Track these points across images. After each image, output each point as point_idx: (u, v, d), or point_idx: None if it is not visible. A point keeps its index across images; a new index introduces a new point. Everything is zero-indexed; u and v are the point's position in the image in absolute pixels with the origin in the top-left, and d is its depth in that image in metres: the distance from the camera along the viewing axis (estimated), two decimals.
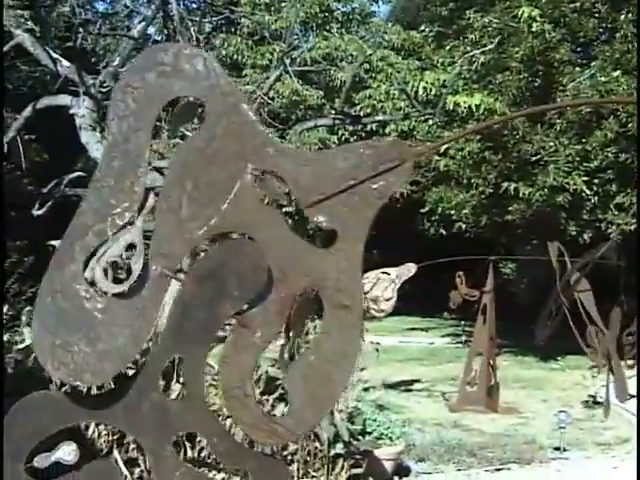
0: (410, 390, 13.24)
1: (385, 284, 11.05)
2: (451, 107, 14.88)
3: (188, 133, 2.34)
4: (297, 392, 2.22)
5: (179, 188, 2.15)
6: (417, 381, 14.15)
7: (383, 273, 11.03)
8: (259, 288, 2.15)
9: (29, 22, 10.18)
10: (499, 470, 8.62)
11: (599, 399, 10.42)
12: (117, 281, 2.11)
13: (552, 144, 16.10)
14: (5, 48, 10.14)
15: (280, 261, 2.18)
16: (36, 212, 9.55)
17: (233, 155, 2.18)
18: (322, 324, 2.25)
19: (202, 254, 2.24)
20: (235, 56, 19.46)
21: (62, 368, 2.08)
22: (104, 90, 10.17)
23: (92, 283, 2.11)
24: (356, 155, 2.22)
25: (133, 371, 2.28)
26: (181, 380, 2.22)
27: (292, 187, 2.21)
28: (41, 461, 2.08)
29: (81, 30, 12.46)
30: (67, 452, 2.09)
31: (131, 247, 2.11)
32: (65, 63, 10.20)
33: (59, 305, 2.09)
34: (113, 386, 2.25)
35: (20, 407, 2.11)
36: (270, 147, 2.21)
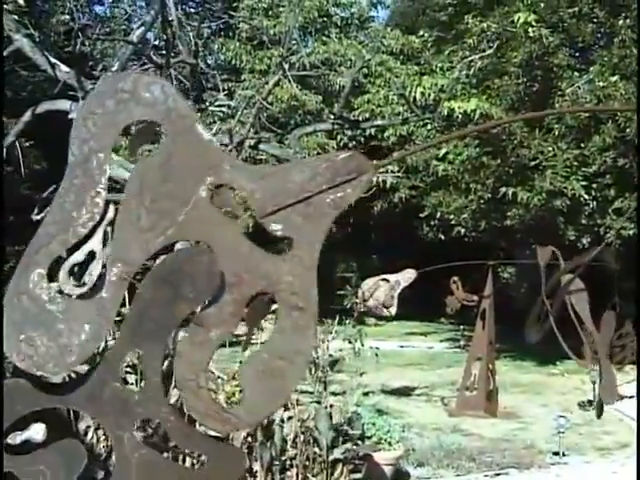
0: (409, 395, 13.26)
1: (385, 290, 11.11)
2: (447, 112, 14.89)
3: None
4: (249, 385, 2.39)
5: (138, 201, 2.33)
6: (416, 386, 14.16)
7: (382, 280, 11.10)
8: (213, 291, 2.33)
9: (28, 27, 10.17)
10: (498, 475, 8.63)
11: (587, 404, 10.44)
12: (78, 285, 2.33)
13: (550, 149, 16.12)
14: (4, 53, 10.15)
15: (235, 266, 2.35)
16: (35, 217, 9.55)
17: (189, 171, 2.35)
18: (276, 324, 2.40)
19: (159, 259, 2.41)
20: (234, 61, 19.51)
21: (27, 359, 2.29)
22: None
23: (59, 289, 2.33)
24: (312, 168, 2.37)
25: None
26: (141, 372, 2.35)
27: (249, 199, 2.37)
28: (13, 438, 2.35)
29: (80, 35, 12.47)
30: (36, 431, 2.41)
31: (92, 254, 2.34)
32: (64, 68, 10.20)
33: (24, 305, 2.31)
34: (75, 376, 2.49)
35: None
36: (226, 163, 2.38)
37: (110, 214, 2.36)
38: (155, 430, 3.83)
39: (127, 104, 2.36)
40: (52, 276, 2.36)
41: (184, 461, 2.87)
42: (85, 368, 2.59)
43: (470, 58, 15.71)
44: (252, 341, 2.79)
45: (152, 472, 2.44)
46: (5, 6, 10.10)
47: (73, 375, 2.65)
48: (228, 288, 2.35)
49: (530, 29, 15.06)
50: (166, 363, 2.58)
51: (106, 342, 2.64)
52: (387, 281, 11.39)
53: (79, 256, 2.35)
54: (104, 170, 2.35)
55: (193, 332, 2.37)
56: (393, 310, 11.56)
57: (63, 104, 10.10)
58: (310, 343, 2.43)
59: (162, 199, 2.35)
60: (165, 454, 2.76)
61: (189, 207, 2.36)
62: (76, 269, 2.40)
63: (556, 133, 16.23)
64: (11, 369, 2.49)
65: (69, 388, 2.42)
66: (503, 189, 16.59)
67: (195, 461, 2.68)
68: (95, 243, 2.35)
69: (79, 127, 2.36)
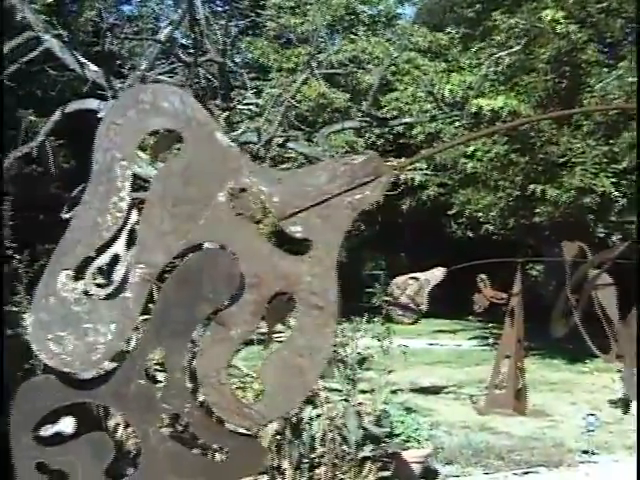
0: (438, 393, 13.22)
1: (415, 289, 11.10)
2: (475, 110, 14.83)
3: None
4: (270, 382, 2.49)
5: (160, 205, 2.45)
6: (445, 384, 14.12)
7: (411, 278, 11.08)
8: (232, 292, 2.44)
9: (57, 27, 10.26)
10: (527, 473, 8.58)
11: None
12: (103, 286, 2.44)
13: (579, 145, 16.01)
14: (34, 53, 10.24)
15: (255, 267, 2.45)
16: (65, 215, 9.64)
17: (209, 176, 2.47)
18: (296, 323, 2.49)
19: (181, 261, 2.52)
20: (261, 59, 19.56)
21: (55, 358, 2.40)
22: None
23: (85, 290, 2.45)
24: (330, 171, 2.48)
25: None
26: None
27: (267, 203, 2.47)
28: (45, 431, 2.47)
29: (108, 34, 12.55)
30: (67, 424, 2.50)
31: (116, 257, 2.44)
32: (93, 67, 10.28)
33: (52, 306, 2.41)
34: (102, 372, 2.59)
35: (27, 387, 2.53)
36: (245, 168, 2.48)
37: (133, 218, 2.46)
38: (185, 426, 3.88)
39: (148, 114, 2.47)
40: (78, 278, 2.46)
41: (213, 456, 2.93)
42: (111, 366, 2.68)
43: (498, 55, 15.62)
44: (276, 339, 2.84)
45: (177, 464, 2.54)
46: (34, 6, 10.19)
47: (100, 372, 2.71)
48: (248, 288, 2.45)
49: (558, 25, 14.96)
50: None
51: (130, 341, 2.70)
52: (417, 279, 11.41)
53: (104, 259, 2.45)
54: (127, 177, 2.46)
55: (214, 330, 2.47)
56: (424, 308, 11.58)
57: (92, 103, 10.19)
58: (329, 341, 2.51)
59: (183, 203, 2.46)
60: (194, 449, 2.85)
61: (209, 211, 2.45)
62: (101, 271, 2.50)
63: (585, 130, 16.12)
64: (42, 366, 2.59)
65: (96, 384, 2.51)
66: (532, 186, 16.51)
67: (223, 456, 2.75)
68: (119, 246, 2.45)
69: (102, 137, 2.46)
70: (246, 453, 2.58)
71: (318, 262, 2.46)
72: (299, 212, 2.46)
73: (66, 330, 2.42)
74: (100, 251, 2.47)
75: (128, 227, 2.47)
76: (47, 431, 2.48)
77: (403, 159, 2.70)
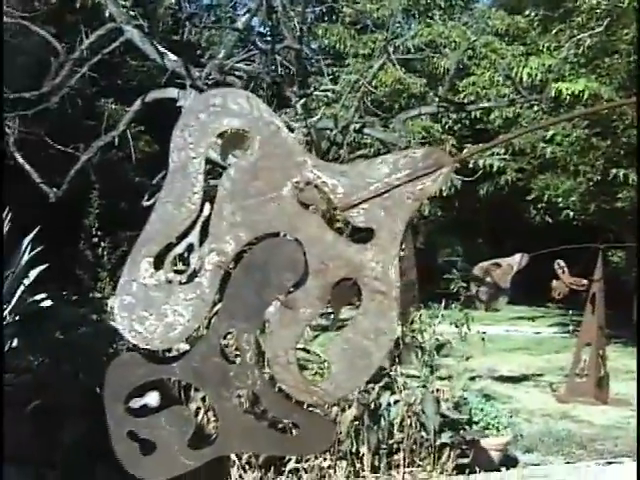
0: (517, 380, 13.09)
1: (498, 274, 11.05)
2: (554, 94, 14.55)
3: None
4: (336, 362, 2.66)
5: (231, 200, 2.66)
6: (524, 371, 13.98)
7: (494, 264, 11.01)
8: (296, 278, 2.63)
9: (138, 18, 10.41)
10: (610, 464, 8.42)
11: None
12: (180, 273, 2.66)
13: None
14: (115, 44, 10.42)
15: (321, 254, 2.63)
16: (146, 203, 9.80)
17: (276, 171, 2.65)
18: (361, 307, 2.63)
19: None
20: (337, 45, 19.51)
21: (137, 335, 2.61)
22: (210, 82, 10.34)
23: (164, 276, 2.67)
24: (391, 164, 2.62)
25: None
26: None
27: (331, 195, 2.64)
28: (133, 403, 2.68)
29: (187, 23, 12.68)
30: (152, 398, 2.70)
31: (191, 246, 2.66)
32: (172, 57, 10.42)
33: (134, 291, 2.63)
34: (182, 351, 2.82)
35: (116, 363, 2.79)
36: (309, 163, 2.66)
37: (206, 212, 2.66)
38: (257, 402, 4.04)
39: (218, 116, 2.67)
40: (158, 266, 2.67)
41: (285, 432, 3.07)
42: (186, 346, 3.03)
43: (579, 37, 15.28)
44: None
45: (250, 437, 2.77)
46: None
47: (178, 352, 2.95)
48: (314, 274, 2.62)
49: None
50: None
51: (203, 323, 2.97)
52: (499, 265, 11.30)
53: (180, 248, 2.67)
54: (200, 174, 2.67)
55: (282, 313, 2.64)
56: (507, 293, 11.48)
57: (171, 92, 10.34)
58: (393, 324, 2.65)
59: (252, 197, 2.65)
60: (267, 424, 3.00)
61: (276, 203, 2.64)
62: (178, 260, 2.70)
63: None
64: (127, 346, 2.76)
65: (178, 362, 2.73)
66: (614, 170, 16.20)
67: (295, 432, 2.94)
68: (194, 237, 2.67)
69: (177, 138, 2.68)
70: (316, 429, 2.78)
71: (381, 250, 2.60)
72: (361, 203, 2.61)
73: (148, 312, 2.63)
74: (177, 241, 2.68)
75: (202, 219, 2.66)
76: (135, 404, 2.69)
77: (455, 157, 2.81)
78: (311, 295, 2.63)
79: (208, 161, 2.75)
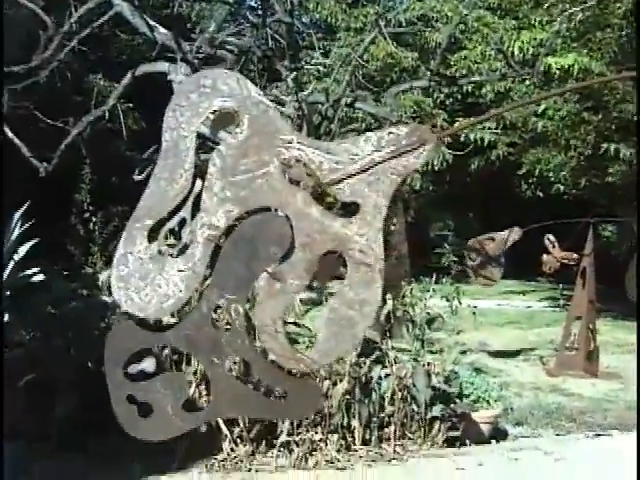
0: (507, 354, 13.15)
1: (492, 248, 11.10)
2: (544, 69, 14.50)
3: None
4: (321, 331, 2.77)
5: (221, 176, 2.76)
6: (514, 345, 14.03)
7: (488, 239, 11.05)
8: (283, 251, 2.72)
9: None
10: (599, 436, 8.49)
11: None
12: (173, 246, 2.79)
13: None
14: (105, 17, 10.34)
15: (307, 228, 2.73)
16: (137, 177, 9.78)
17: (264, 149, 2.76)
18: (346, 278, 2.73)
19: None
20: (329, 19, 19.37)
21: (132, 304, 2.75)
22: (200, 56, 10.29)
23: (158, 249, 2.79)
24: (375, 141, 2.73)
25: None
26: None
27: (317, 171, 2.74)
28: (131, 369, 2.82)
29: None
30: (149, 364, 2.86)
31: (183, 221, 2.79)
32: (162, 30, 10.35)
33: (130, 263, 2.76)
34: (176, 320, 3.00)
35: (116, 330, 3.01)
36: (295, 141, 2.77)
37: (197, 188, 2.78)
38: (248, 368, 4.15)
39: (209, 96, 2.78)
40: (152, 239, 2.78)
41: (274, 397, 3.17)
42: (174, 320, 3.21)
43: (571, 10, 15.22)
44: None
45: (239, 402, 2.91)
46: None
47: (173, 320, 3.17)
48: (301, 247, 2.73)
49: None
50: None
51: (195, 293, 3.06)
52: (493, 239, 11.33)
53: (173, 222, 2.80)
54: (191, 151, 2.79)
55: (270, 284, 2.76)
56: (501, 267, 11.52)
57: (161, 66, 10.27)
58: (377, 296, 2.75)
59: (241, 173, 2.76)
60: (256, 389, 3.14)
61: (264, 179, 2.75)
62: (171, 233, 2.83)
63: None
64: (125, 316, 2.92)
65: (172, 330, 2.86)
66: (605, 145, 16.18)
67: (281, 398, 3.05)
68: (186, 211, 2.79)
69: (169, 118, 2.79)
70: (304, 395, 2.90)
71: (366, 223, 2.71)
72: (346, 178, 2.72)
73: (142, 282, 2.76)
74: (170, 216, 2.81)
75: (193, 195, 2.78)
76: (133, 369, 2.83)
77: (440, 132, 2.90)
78: (298, 267, 2.74)
79: (200, 136, 2.83)
